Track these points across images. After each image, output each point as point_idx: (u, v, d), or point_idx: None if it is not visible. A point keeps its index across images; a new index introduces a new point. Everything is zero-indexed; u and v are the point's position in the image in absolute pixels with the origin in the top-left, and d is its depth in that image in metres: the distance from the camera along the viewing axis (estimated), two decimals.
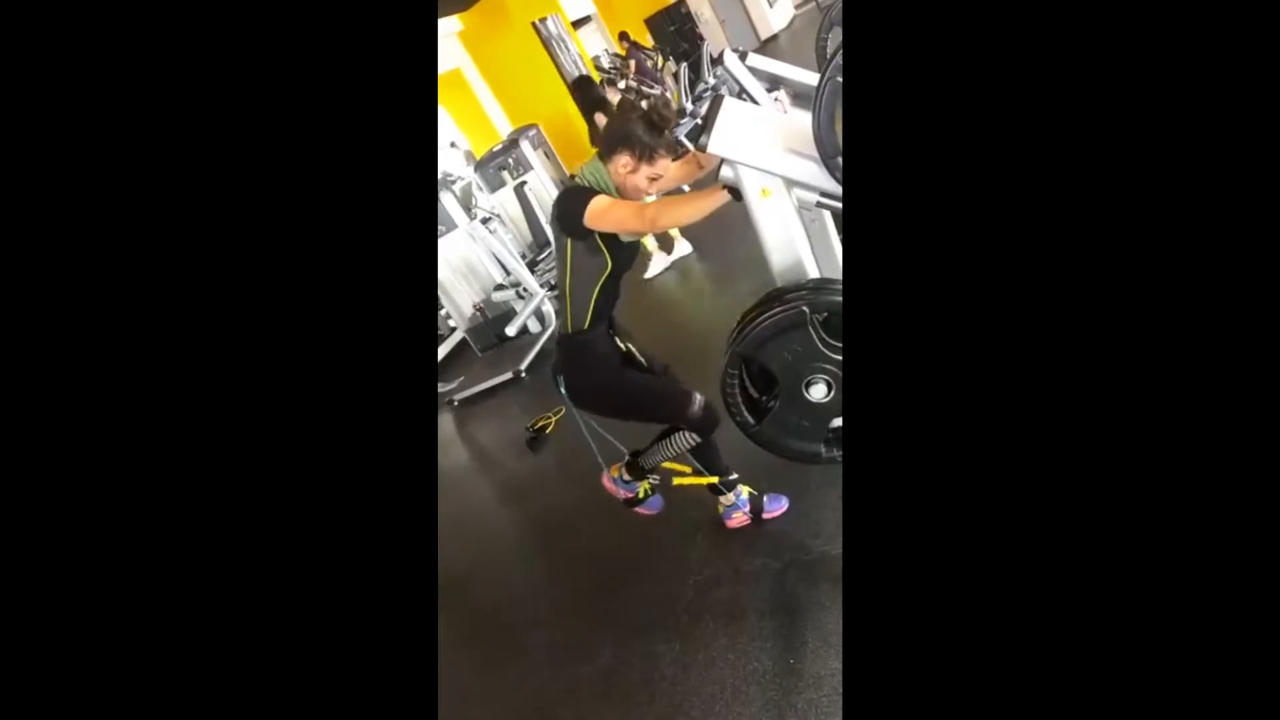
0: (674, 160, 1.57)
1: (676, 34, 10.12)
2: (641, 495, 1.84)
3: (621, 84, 6.72)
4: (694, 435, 1.65)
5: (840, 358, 1.50)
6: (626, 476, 1.82)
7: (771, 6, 10.99)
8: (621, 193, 1.50)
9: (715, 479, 1.74)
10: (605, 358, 1.61)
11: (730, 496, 1.77)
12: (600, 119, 4.37)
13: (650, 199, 1.55)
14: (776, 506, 1.78)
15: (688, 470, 1.78)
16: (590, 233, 1.47)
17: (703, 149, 1.51)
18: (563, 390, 1.63)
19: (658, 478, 1.84)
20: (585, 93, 4.41)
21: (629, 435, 1.79)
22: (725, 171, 1.55)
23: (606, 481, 1.86)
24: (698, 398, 1.61)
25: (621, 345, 1.65)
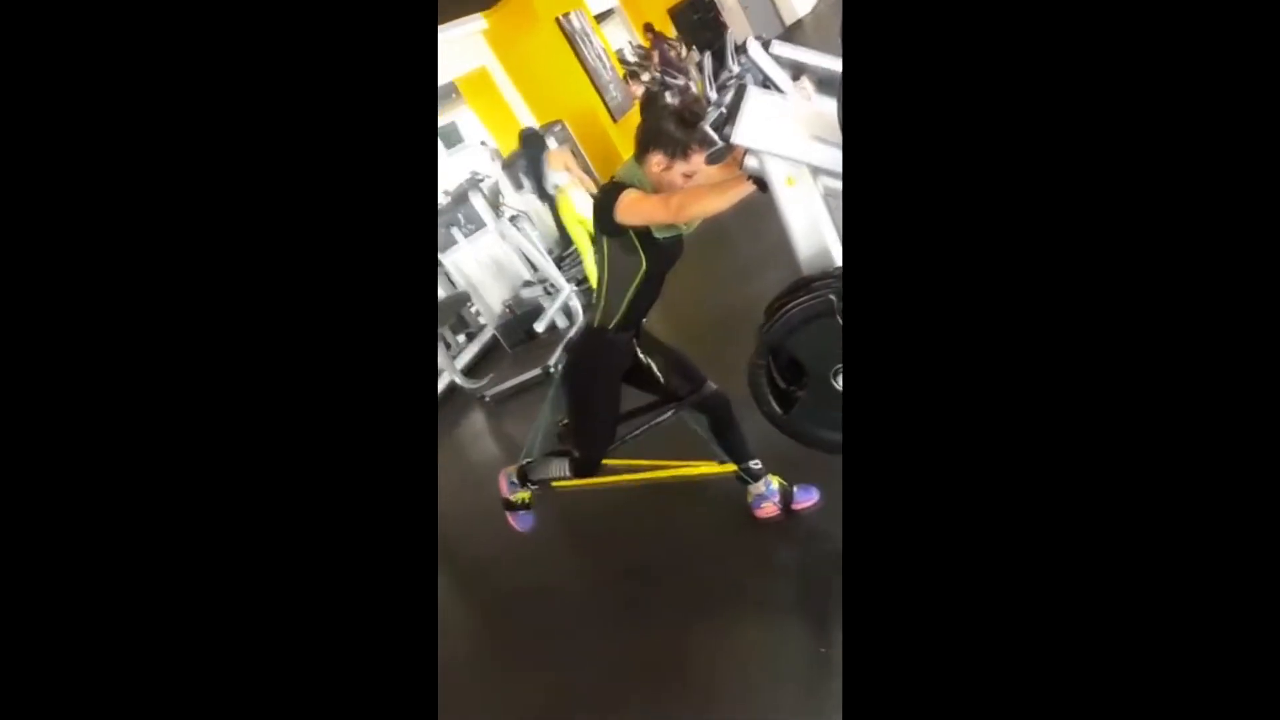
0: (711, 163, 1.57)
1: (700, 23, 10.02)
2: (516, 502, 1.89)
3: (645, 76, 6.70)
4: (569, 469, 1.73)
5: None
6: (514, 479, 1.88)
7: None
8: (658, 191, 1.50)
9: (737, 467, 1.74)
10: (613, 370, 1.64)
11: (760, 486, 1.77)
12: (552, 159, 4.27)
13: None
14: (807, 497, 1.77)
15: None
16: (625, 231, 1.48)
17: (727, 140, 1.50)
18: (555, 366, 1.70)
19: (536, 491, 1.88)
20: (531, 142, 4.40)
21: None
22: (750, 161, 1.54)
23: (501, 476, 1.92)
24: (602, 450, 1.69)
25: (642, 358, 1.66)
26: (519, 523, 1.93)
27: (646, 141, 1.48)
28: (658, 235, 1.51)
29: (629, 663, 1.64)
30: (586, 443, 1.71)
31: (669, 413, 1.75)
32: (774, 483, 1.77)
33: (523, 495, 1.89)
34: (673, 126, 1.46)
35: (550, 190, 4.21)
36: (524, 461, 1.87)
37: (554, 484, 1.84)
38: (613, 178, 1.56)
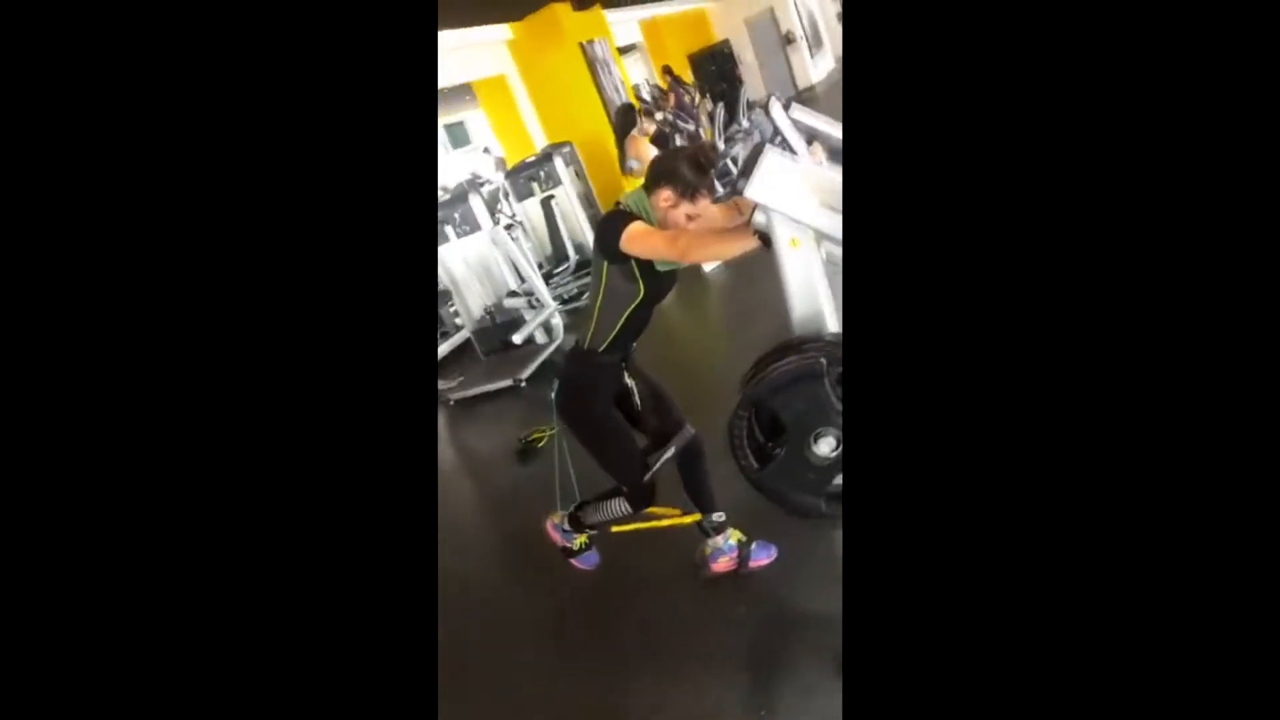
0: (715, 203, 1.60)
1: (717, 73, 10.32)
2: (577, 548, 1.84)
3: (658, 115, 6.83)
4: (627, 505, 1.66)
5: None
6: (566, 526, 1.83)
7: (813, 58, 11.22)
8: (661, 226, 1.52)
9: (700, 516, 1.72)
10: (604, 391, 1.63)
11: (719, 540, 1.75)
12: (636, 145, 4.57)
13: None
14: (764, 555, 1.76)
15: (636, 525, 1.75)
16: (626, 258, 1.49)
17: (739, 193, 1.53)
18: (553, 396, 1.65)
19: (594, 533, 1.83)
20: (624, 117, 4.75)
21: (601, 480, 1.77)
22: (759, 217, 1.57)
23: (548, 527, 1.87)
24: (650, 475, 1.61)
25: (629, 382, 1.65)
26: (583, 563, 1.86)
27: (659, 177, 1.51)
28: (659, 267, 1.52)
29: (568, 707, 1.58)
30: (621, 470, 1.64)
31: (671, 451, 1.67)
32: (733, 538, 1.76)
33: (581, 540, 1.82)
34: (686, 168, 1.49)
35: (630, 168, 4.39)
36: (569, 510, 1.80)
37: (614, 529, 1.76)
38: (618, 202, 1.57)
